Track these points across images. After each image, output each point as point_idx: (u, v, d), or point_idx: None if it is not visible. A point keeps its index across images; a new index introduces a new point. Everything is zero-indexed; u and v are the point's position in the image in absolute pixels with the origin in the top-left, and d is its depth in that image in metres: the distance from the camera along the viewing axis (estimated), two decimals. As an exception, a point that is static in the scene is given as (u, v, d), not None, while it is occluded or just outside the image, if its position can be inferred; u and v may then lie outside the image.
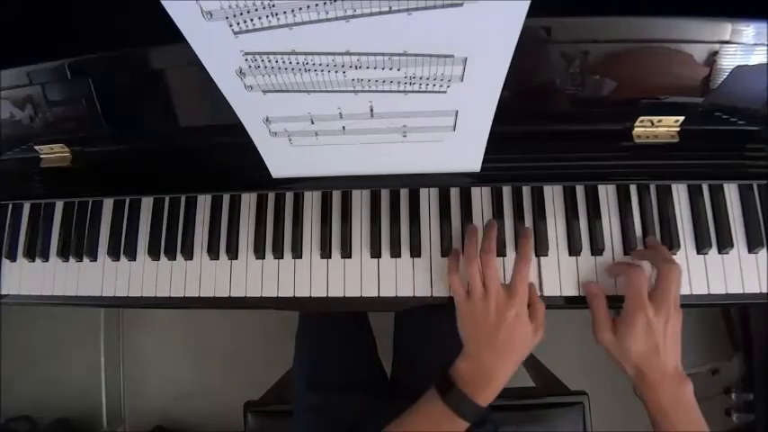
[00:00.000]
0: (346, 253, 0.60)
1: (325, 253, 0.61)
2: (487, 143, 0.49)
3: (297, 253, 0.61)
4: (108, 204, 0.67)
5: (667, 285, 0.50)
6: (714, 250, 0.57)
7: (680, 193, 0.58)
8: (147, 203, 0.66)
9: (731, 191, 0.58)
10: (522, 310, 0.52)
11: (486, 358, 0.51)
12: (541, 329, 0.53)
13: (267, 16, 0.35)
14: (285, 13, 0.34)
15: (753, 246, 0.56)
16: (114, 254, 0.65)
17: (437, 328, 0.73)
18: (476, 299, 0.52)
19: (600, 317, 0.53)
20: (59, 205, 0.68)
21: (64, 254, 0.66)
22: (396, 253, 0.60)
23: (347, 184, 0.60)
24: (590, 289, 0.55)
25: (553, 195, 0.59)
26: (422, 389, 0.71)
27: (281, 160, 0.53)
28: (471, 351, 0.52)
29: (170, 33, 0.35)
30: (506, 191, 0.60)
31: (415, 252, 0.59)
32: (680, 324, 0.51)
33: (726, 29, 0.45)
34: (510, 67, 0.39)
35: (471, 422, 0.50)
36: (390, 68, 0.39)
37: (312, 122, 0.47)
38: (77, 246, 0.66)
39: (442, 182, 0.58)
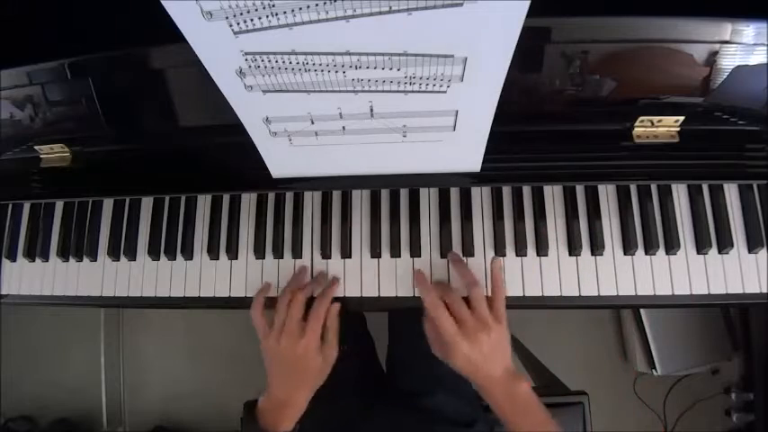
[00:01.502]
0: (346, 253, 0.60)
1: (326, 253, 0.61)
2: (487, 143, 0.49)
3: (297, 253, 0.61)
4: (108, 204, 0.67)
5: (478, 312, 0.52)
6: (714, 250, 0.57)
7: (680, 193, 0.58)
8: (147, 203, 0.66)
9: (731, 191, 0.58)
10: (312, 342, 0.54)
11: (279, 393, 0.54)
12: (332, 352, 0.56)
13: (267, 16, 0.35)
14: (285, 13, 0.34)
15: (753, 246, 0.56)
16: (114, 254, 0.65)
17: None
18: (272, 336, 0.54)
19: (430, 337, 0.56)
20: (59, 205, 0.68)
21: (64, 254, 0.66)
22: (396, 253, 0.60)
23: (347, 184, 0.60)
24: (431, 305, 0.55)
25: (553, 195, 0.59)
26: (415, 390, 0.71)
27: (281, 160, 0.53)
28: (269, 385, 0.55)
29: (170, 33, 0.35)
30: (506, 191, 0.60)
31: (415, 252, 0.59)
32: (500, 334, 0.52)
33: (726, 29, 0.45)
34: (510, 68, 0.39)
35: None
36: (390, 68, 0.39)
37: (312, 122, 0.47)
38: (77, 246, 0.66)
39: (442, 182, 0.58)
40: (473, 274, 0.55)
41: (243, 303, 0.61)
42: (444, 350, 0.53)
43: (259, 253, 0.62)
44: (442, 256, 0.59)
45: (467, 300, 0.53)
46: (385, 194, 0.62)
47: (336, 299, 0.58)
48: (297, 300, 0.55)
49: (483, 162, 0.52)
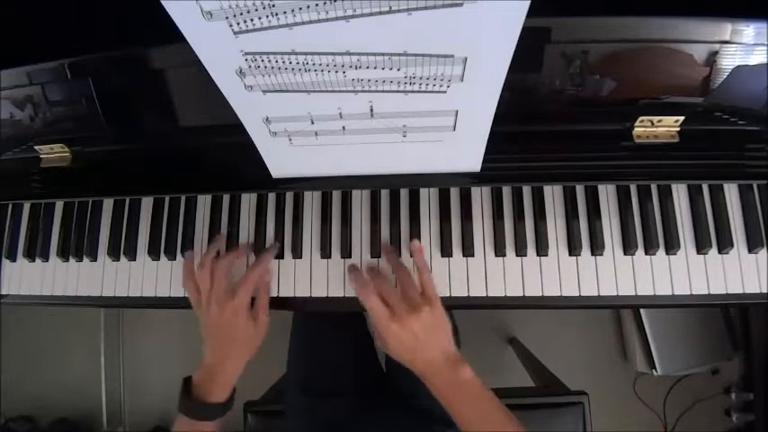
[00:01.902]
0: (346, 253, 0.60)
1: (326, 253, 0.61)
2: (487, 143, 0.49)
3: (297, 253, 0.61)
4: (108, 204, 0.67)
5: (407, 294, 0.52)
6: (714, 250, 0.57)
7: (680, 193, 0.58)
8: (147, 203, 0.66)
9: (731, 191, 0.58)
10: (240, 307, 0.54)
11: (212, 359, 0.55)
12: (263, 320, 0.56)
13: (267, 16, 0.35)
14: (285, 13, 0.34)
15: (753, 246, 0.56)
16: (114, 254, 0.65)
17: None
18: (202, 301, 0.55)
19: (374, 332, 0.55)
20: (59, 205, 0.68)
21: (64, 254, 0.66)
22: (396, 253, 0.59)
23: (347, 184, 0.60)
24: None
25: (553, 195, 0.59)
26: (413, 390, 0.71)
27: (281, 160, 0.53)
28: (203, 356, 0.56)
29: (170, 33, 0.35)
30: (506, 191, 0.60)
31: (415, 252, 0.59)
32: (432, 314, 0.52)
33: (726, 29, 0.45)
34: (510, 67, 0.39)
35: (213, 419, 0.54)
36: (390, 68, 0.39)
37: (312, 122, 0.47)
38: (77, 246, 0.66)
39: (442, 182, 0.58)
40: (400, 261, 0.56)
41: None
42: (382, 340, 0.53)
43: (259, 253, 0.62)
44: (443, 256, 0.59)
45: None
46: (385, 194, 0.62)
47: (337, 299, 0.59)
48: (220, 266, 0.55)
49: (483, 162, 0.52)
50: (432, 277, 0.55)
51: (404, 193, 0.61)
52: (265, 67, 0.39)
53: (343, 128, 0.47)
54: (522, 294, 0.57)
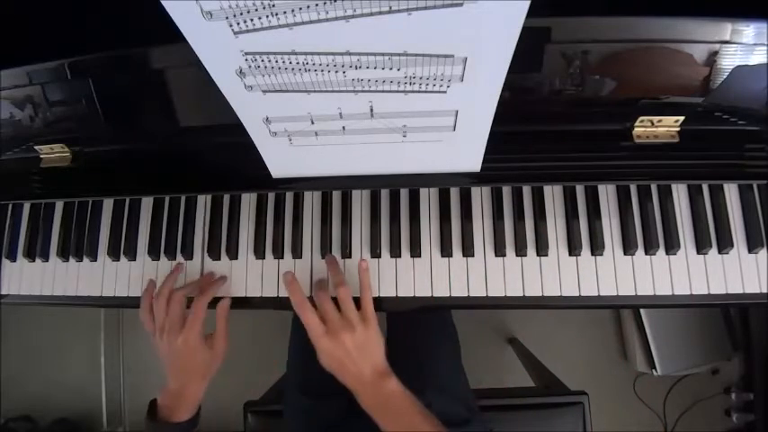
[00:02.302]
0: (346, 253, 0.60)
1: (326, 253, 0.61)
2: (487, 143, 0.49)
3: (297, 253, 0.61)
4: (108, 204, 0.67)
5: (322, 310, 0.54)
6: (714, 250, 0.57)
7: (680, 193, 0.58)
8: (147, 203, 0.66)
9: (731, 191, 0.58)
10: (191, 337, 0.55)
11: (173, 385, 0.57)
12: (220, 346, 0.58)
13: (267, 16, 0.35)
14: (285, 13, 0.34)
15: (753, 246, 0.56)
16: (114, 254, 0.65)
17: (425, 328, 0.74)
18: (156, 334, 0.57)
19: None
20: (59, 205, 0.68)
21: (64, 254, 0.66)
22: (396, 253, 0.60)
23: (347, 184, 0.60)
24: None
25: (553, 195, 0.59)
26: (419, 384, 0.71)
27: (281, 160, 0.53)
28: (167, 379, 0.58)
29: (170, 33, 0.35)
30: (506, 191, 0.60)
31: (415, 252, 0.59)
32: (367, 334, 0.53)
33: (726, 29, 0.45)
34: (510, 67, 0.39)
35: None
36: (390, 68, 0.39)
37: (312, 122, 0.47)
38: (77, 246, 0.66)
39: (442, 182, 0.58)
40: (342, 276, 0.57)
41: (243, 303, 0.61)
42: (316, 350, 0.54)
43: (259, 253, 0.62)
44: (443, 255, 0.59)
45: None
46: (385, 194, 0.62)
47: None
48: (174, 298, 0.57)
49: (483, 162, 0.52)
50: (371, 297, 0.56)
51: (404, 193, 0.61)
52: (265, 67, 0.39)
53: (343, 128, 0.47)
54: (522, 294, 0.57)
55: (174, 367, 0.57)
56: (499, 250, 0.58)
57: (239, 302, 0.61)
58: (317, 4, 0.34)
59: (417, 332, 0.75)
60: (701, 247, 0.56)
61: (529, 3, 0.33)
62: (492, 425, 0.77)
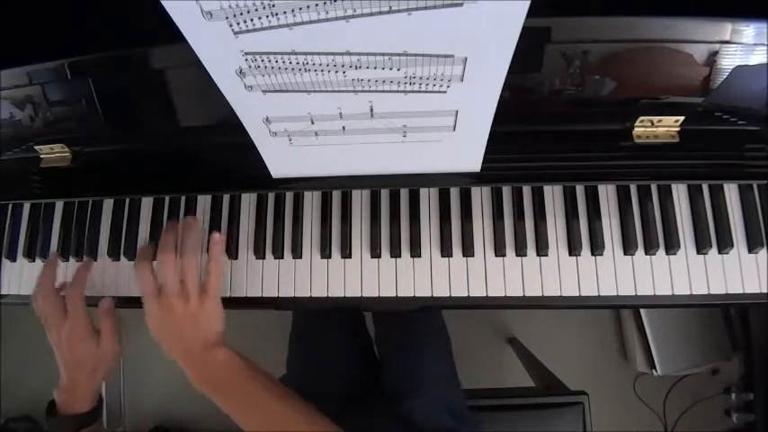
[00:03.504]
0: (346, 253, 0.60)
1: (326, 253, 0.61)
2: (487, 143, 0.49)
3: (297, 253, 0.61)
4: (108, 204, 0.67)
5: (164, 277, 0.53)
6: (714, 250, 0.57)
7: (680, 193, 0.58)
8: (147, 203, 0.66)
9: (731, 191, 0.58)
10: (75, 327, 0.56)
11: (65, 379, 0.57)
12: (107, 344, 0.58)
13: (267, 16, 0.35)
14: (285, 13, 0.34)
15: (753, 246, 0.56)
16: (114, 254, 0.65)
17: (415, 329, 0.74)
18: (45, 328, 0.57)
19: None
20: (59, 205, 0.68)
21: (64, 254, 0.66)
22: (396, 253, 0.60)
23: (347, 184, 0.60)
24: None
25: (553, 195, 0.59)
26: (405, 389, 0.71)
27: (281, 160, 0.53)
28: (61, 373, 0.58)
29: (170, 33, 0.35)
30: (506, 191, 0.60)
31: (415, 252, 0.59)
32: (203, 307, 0.52)
33: (726, 29, 0.45)
34: (510, 67, 0.39)
35: (78, 428, 0.56)
36: (390, 68, 0.39)
37: (312, 122, 0.47)
38: (77, 246, 0.66)
39: (442, 182, 0.58)
40: (192, 247, 0.55)
41: (243, 303, 0.61)
42: (146, 314, 0.54)
43: (259, 253, 0.62)
44: (443, 255, 0.59)
45: None
46: (385, 194, 0.62)
47: (337, 299, 0.59)
48: (47, 292, 0.58)
49: (483, 162, 0.52)
50: (218, 271, 0.55)
51: (404, 193, 0.61)
52: (265, 67, 0.39)
53: (343, 128, 0.47)
54: (522, 294, 0.57)
55: (62, 359, 0.57)
56: (499, 250, 0.58)
57: (240, 302, 0.61)
58: (316, 4, 0.34)
59: (407, 337, 0.75)
60: (701, 247, 0.56)
61: (529, 3, 0.33)
62: (492, 425, 0.77)
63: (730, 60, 0.47)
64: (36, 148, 0.63)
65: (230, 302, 0.62)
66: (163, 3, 0.34)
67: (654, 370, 1.24)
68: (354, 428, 0.52)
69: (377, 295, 0.59)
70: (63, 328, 0.56)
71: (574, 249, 0.57)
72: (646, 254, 0.57)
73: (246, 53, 0.38)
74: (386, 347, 0.79)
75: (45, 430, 0.57)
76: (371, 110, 0.45)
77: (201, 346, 0.52)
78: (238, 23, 0.35)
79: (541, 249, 0.58)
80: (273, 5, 0.34)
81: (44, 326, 0.58)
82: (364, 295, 0.59)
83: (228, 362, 0.51)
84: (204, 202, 0.65)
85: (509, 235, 0.59)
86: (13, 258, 0.68)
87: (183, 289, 0.52)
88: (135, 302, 0.59)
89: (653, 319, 1.23)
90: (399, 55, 0.38)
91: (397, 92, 0.42)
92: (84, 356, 0.57)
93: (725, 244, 0.56)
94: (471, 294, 0.58)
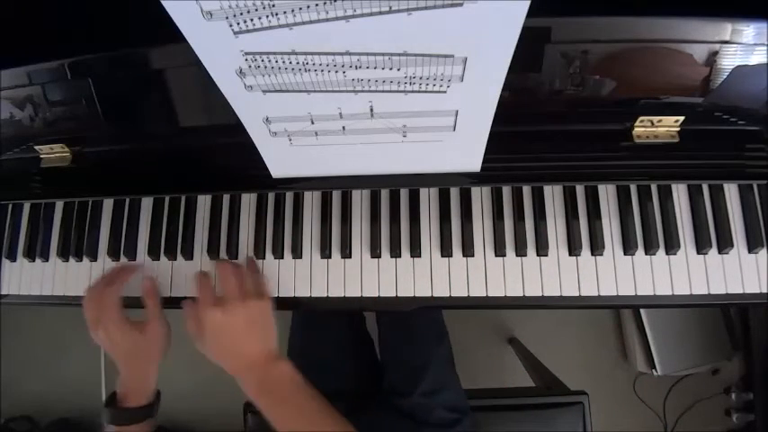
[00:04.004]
0: (346, 253, 0.60)
1: (326, 253, 0.61)
2: (487, 143, 0.49)
3: (297, 253, 0.61)
4: (108, 204, 0.67)
5: (222, 285, 0.53)
6: (714, 250, 0.57)
7: (680, 193, 0.58)
8: (147, 203, 0.66)
9: (731, 191, 0.58)
10: (109, 326, 0.56)
11: (121, 373, 0.58)
12: (152, 328, 0.57)
13: (267, 16, 0.35)
14: (285, 13, 0.34)
15: (753, 246, 0.56)
16: (114, 254, 0.65)
17: (415, 328, 0.74)
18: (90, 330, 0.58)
19: (190, 329, 0.55)
20: (59, 205, 0.68)
21: (64, 254, 0.66)
22: (396, 253, 0.60)
23: (347, 184, 0.60)
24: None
25: (553, 195, 0.59)
26: (401, 388, 0.71)
27: (281, 160, 0.53)
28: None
29: (170, 33, 0.35)
30: (506, 191, 0.60)
31: (415, 252, 0.59)
32: (261, 309, 0.53)
33: (726, 29, 0.45)
34: (510, 68, 0.39)
35: (136, 422, 0.56)
36: (390, 68, 0.39)
37: (312, 122, 0.47)
38: (77, 246, 0.66)
39: (442, 182, 0.58)
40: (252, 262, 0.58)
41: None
42: (197, 328, 0.54)
43: (259, 253, 0.62)
44: (443, 255, 0.59)
45: None
46: (385, 194, 0.62)
47: (337, 299, 0.59)
48: (91, 294, 0.57)
49: (483, 162, 0.52)
50: (260, 271, 0.56)
51: (404, 193, 0.61)
52: (265, 67, 0.39)
53: (343, 128, 0.47)
54: (522, 294, 0.57)
55: (115, 356, 0.57)
56: (499, 250, 0.58)
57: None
58: (316, 4, 0.34)
59: (407, 333, 0.75)
60: (701, 247, 0.56)
61: (529, 3, 0.33)
62: (492, 425, 0.77)
63: (730, 60, 0.47)
64: (36, 148, 0.63)
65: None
66: (163, 3, 0.34)
67: (654, 370, 1.24)
68: (360, 427, 0.52)
69: (377, 295, 0.59)
70: (99, 332, 0.56)
71: (574, 249, 0.57)
72: (646, 254, 0.57)
73: (246, 53, 0.38)
74: (388, 348, 0.79)
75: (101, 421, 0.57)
76: (371, 110, 0.45)
77: (265, 357, 0.52)
78: (238, 23, 0.35)
79: (541, 249, 0.58)
80: (273, 5, 0.34)
81: (89, 328, 0.58)
82: (364, 295, 0.59)
83: (291, 376, 0.52)
84: (204, 202, 0.65)
85: (509, 235, 0.59)
86: (13, 258, 0.68)
87: (242, 290, 0.53)
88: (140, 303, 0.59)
89: (653, 319, 1.23)
90: (399, 55, 0.38)
91: (397, 92, 0.42)
92: (133, 347, 0.57)
93: (725, 244, 0.56)
94: (471, 294, 0.58)
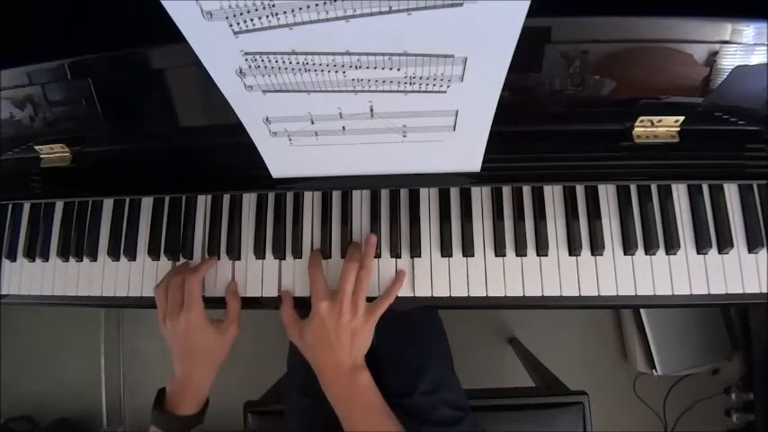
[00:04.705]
0: (346, 253, 0.60)
1: (326, 253, 0.61)
2: (487, 143, 0.49)
3: (297, 253, 0.61)
4: (108, 204, 0.67)
5: (340, 283, 0.54)
6: (714, 250, 0.57)
7: (680, 193, 0.58)
8: (147, 203, 0.66)
9: (731, 191, 0.58)
10: (191, 316, 0.54)
11: (179, 372, 0.56)
12: (230, 329, 0.57)
13: (267, 16, 0.35)
14: (285, 13, 0.34)
15: (753, 246, 0.56)
16: (114, 254, 0.65)
17: (415, 328, 0.74)
18: (161, 320, 0.57)
19: (287, 321, 0.57)
20: (59, 205, 0.68)
21: (64, 254, 0.66)
22: (396, 253, 0.60)
23: (347, 184, 0.60)
24: (282, 294, 0.58)
25: (553, 195, 0.59)
26: (400, 388, 0.71)
27: (281, 160, 0.53)
28: (174, 369, 0.57)
29: (170, 33, 0.35)
30: (506, 191, 0.60)
31: (415, 252, 0.59)
32: (361, 324, 0.53)
33: (726, 29, 0.45)
34: (510, 68, 0.39)
35: (185, 431, 0.55)
36: (390, 68, 0.39)
37: (312, 122, 0.47)
38: (77, 246, 0.66)
39: (442, 182, 0.58)
40: (373, 262, 0.57)
41: (243, 303, 0.61)
42: (299, 326, 0.54)
43: (259, 253, 0.62)
44: (443, 255, 0.59)
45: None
46: (385, 194, 0.62)
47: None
48: (171, 283, 0.56)
49: (483, 162, 0.52)
50: (389, 302, 0.56)
51: (404, 193, 0.61)
52: (265, 67, 0.39)
53: (343, 128, 0.47)
54: (522, 294, 0.57)
55: (179, 353, 0.56)
56: (499, 250, 0.58)
57: (240, 302, 0.61)
58: (316, 4, 0.34)
59: (406, 333, 0.75)
60: (701, 247, 0.56)
61: (529, 3, 0.33)
62: (492, 425, 0.77)
63: (730, 60, 0.47)
64: (36, 148, 0.63)
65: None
66: (163, 3, 0.34)
67: (654, 370, 1.24)
68: None
69: (377, 295, 0.59)
70: (179, 320, 0.55)
71: (574, 249, 0.57)
72: (646, 254, 0.57)
73: (246, 53, 0.38)
74: (387, 348, 0.79)
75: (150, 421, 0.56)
76: (371, 110, 0.44)
77: (351, 365, 0.52)
78: (238, 23, 0.35)
79: (541, 249, 0.58)
80: (273, 5, 0.34)
81: (160, 318, 0.57)
82: (364, 295, 0.59)
83: (371, 389, 0.52)
84: (204, 202, 0.65)
85: (509, 235, 0.59)
86: (13, 258, 0.68)
87: (355, 301, 0.53)
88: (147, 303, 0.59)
89: (653, 319, 1.23)
90: (399, 55, 0.38)
91: (397, 92, 0.42)
92: (205, 347, 0.56)
93: (725, 244, 0.56)
94: (471, 294, 0.58)
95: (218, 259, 0.62)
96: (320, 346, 0.53)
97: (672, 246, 0.56)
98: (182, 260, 0.63)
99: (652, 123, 0.54)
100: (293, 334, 0.55)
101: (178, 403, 0.55)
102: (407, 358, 0.72)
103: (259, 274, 0.62)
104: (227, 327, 0.57)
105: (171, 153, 0.62)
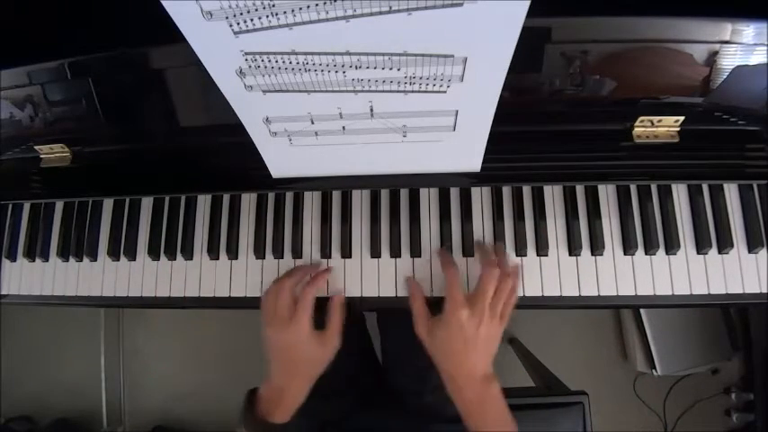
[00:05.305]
0: (346, 253, 0.60)
1: (326, 253, 0.61)
2: (487, 143, 0.49)
3: (297, 253, 0.61)
4: (108, 204, 0.67)
5: (482, 289, 0.51)
6: (714, 250, 0.57)
7: (680, 193, 0.58)
8: (147, 203, 0.66)
9: (731, 191, 0.58)
10: (298, 330, 0.53)
11: (277, 380, 0.54)
12: (332, 342, 0.55)
13: (267, 16, 0.35)
14: (285, 13, 0.34)
15: (753, 246, 0.56)
16: (114, 254, 0.65)
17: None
18: (265, 323, 0.54)
19: (418, 314, 0.54)
20: (59, 205, 0.68)
21: (64, 254, 0.66)
22: (396, 253, 0.60)
23: (347, 184, 0.60)
24: (410, 286, 0.57)
25: (553, 195, 0.59)
26: (409, 388, 0.71)
27: (281, 160, 0.53)
28: (270, 373, 0.55)
29: (170, 33, 0.35)
30: (506, 191, 0.60)
31: (416, 252, 0.59)
32: (496, 330, 0.52)
33: (726, 29, 0.45)
34: (510, 68, 0.39)
35: None
36: (390, 68, 0.39)
37: (312, 122, 0.47)
38: (77, 246, 0.66)
39: (442, 182, 0.58)
40: (503, 259, 0.55)
41: (243, 303, 0.61)
42: (431, 324, 0.52)
43: (259, 253, 0.62)
44: (442, 256, 0.59)
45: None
46: (385, 194, 0.62)
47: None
48: (282, 288, 0.54)
49: (483, 162, 0.52)
50: (514, 301, 0.54)
51: (404, 193, 0.61)
52: (265, 67, 0.39)
53: (343, 128, 0.47)
54: (522, 294, 0.57)
55: (280, 360, 0.54)
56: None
57: (240, 302, 0.61)
58: (316, 4, 0.34)
59: (411, 334, 0.75)
60: (701, 247, 0.56)
61: (529, 3, 0.33)
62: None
63: (730, 60, 0.47)
64: (36, 148, 0.63)
65: (230, 302, 0.62)
66: (163, 3, 0.34)
67: (654, 370, 1.24)
68: (363, 427, 0.52)
69: (377, 295, 0.59)
70: (288, 330, 0.53)
71: (574, 249, 0.57)
72: (646, 254, 0.57)
73: (246, 53, 0.38)
74: (392, 348, 0.79)
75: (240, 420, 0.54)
76: (371, 110, 0.44)
77: (482, 376, 0.51)
78: (238, 23, 0.35)
79: (541, 249, 0.58)
80: (273, 5, 0.34)
81: (266, 323, 0.54)
82: (364, 295, 0.59)
83: (500, 400, 0.52)
84: (204, 202, 0.65)
85: (509, 235, 0.59)
86: (13, 258, 0.68)
87: (493, 309, 0.51)
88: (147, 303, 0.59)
89: (653, 319, 1.23)
90: (399, 55, 0.38)
91: (398, 92, 0.42)
92: (308, 359, 0.54)
93: (725, 244, 0.56)
94: (471, 294, 0.58)
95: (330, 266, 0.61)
96: (455, 352, 0.51)
97: (672, 246, 0.56)
98: (179, 259, 0.63)
99: (652, 123, 0.54)
100: (421, 329, 0.54)
101: (273, 410, 0.53)
102: (413, 358, 0.72)
103: (259, 275, 0.62)
104: (330, 339, 0.55)
105: (171, 153, 0.62)
